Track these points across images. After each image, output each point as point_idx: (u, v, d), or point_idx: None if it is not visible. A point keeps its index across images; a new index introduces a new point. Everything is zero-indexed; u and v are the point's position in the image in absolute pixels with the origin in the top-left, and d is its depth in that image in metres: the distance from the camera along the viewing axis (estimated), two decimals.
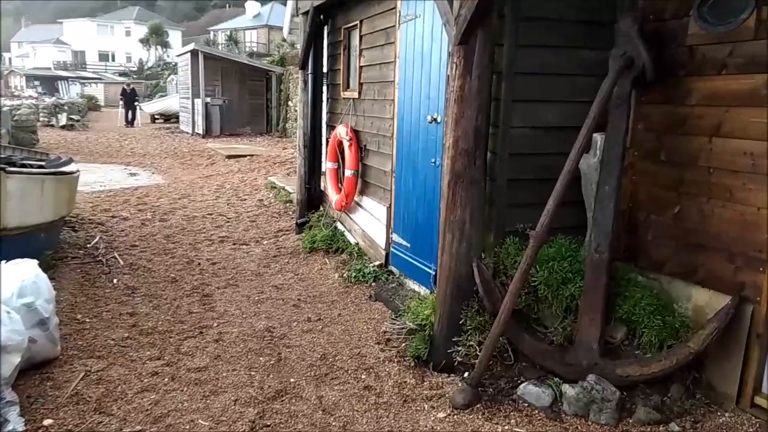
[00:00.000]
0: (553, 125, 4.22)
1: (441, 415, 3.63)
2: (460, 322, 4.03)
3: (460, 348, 4.02)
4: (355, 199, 6.91)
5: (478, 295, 3.96)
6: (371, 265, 6.08)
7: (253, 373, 4.15)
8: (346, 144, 6.76)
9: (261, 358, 4.37)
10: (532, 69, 4.10)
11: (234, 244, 7.52)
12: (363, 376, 4.14)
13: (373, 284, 5.78)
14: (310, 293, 5.76)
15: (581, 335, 3.73)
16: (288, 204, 9.60)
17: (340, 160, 7.10)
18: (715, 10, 3.51)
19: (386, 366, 4.26)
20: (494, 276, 4.10)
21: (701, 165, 3.70)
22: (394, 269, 5.89)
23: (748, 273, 3.42)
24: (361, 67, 6.63)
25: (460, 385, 3.87)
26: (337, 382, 4.06)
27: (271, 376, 4.11)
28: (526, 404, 3.65)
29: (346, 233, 7.07)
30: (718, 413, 3.47)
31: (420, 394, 3.87)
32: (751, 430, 3.31)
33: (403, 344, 4.49)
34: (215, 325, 4.97)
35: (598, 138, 4.05)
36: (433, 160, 4.97)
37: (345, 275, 6.05)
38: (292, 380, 4.07)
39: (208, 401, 3.77)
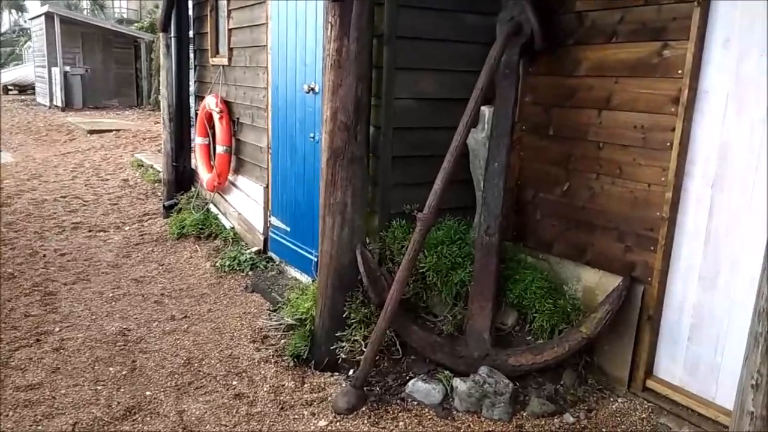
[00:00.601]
0: (440, 96, 3.87)
1: (322, 423, 3.22)
2: (344, 315, 3.63)
3: (343, 344, 3.63)
4: (230, 178, 6.27)
5: (363, 285, 3.56)
6: (248, 251, 5.51)
7: (99, 387, 3.50)
8: (216, 117, 6.07)
9: (111, 369, 3.71)
10: (417, 33, 3.71)
11: (89, 231, 6.60)
12: (234, 382, 3.63)
13: (250, 273, 5.23)
14: (177, 286, 5.11)
15: (472, 324, 3.46)
16: (156, 184, 8.69)
17: (211, 135, 6.41)
18: None
19: (262, 368, 3.78)
20: (380, 263, 3.73)
21: (590, 140, 3.52)
22: (273, 256, 5.36)
23: (639, 253, 3.29)
24: (230, 30, 5.95)
25: (343, 385, 3.48)
26: (202, 391, 3.53)
27: (122, 390, 3.48)
28: (416, 402, 3.33)
29: (220, 216, 6.42)
30: (611, 399, 3.35)
31: (299, 399, 3.43)
32: (644, 415, 3.20)
33: (282, 341, 4.02)
34: (57, 330, 4.21)
35: (486, 111, 3.77)
36: (311, 135, 4.48)
37: (218, 264, 5.44)
38: (147, 393, 3.48)
39: (39, 427, 3.10)
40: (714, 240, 3.00)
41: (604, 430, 3.12)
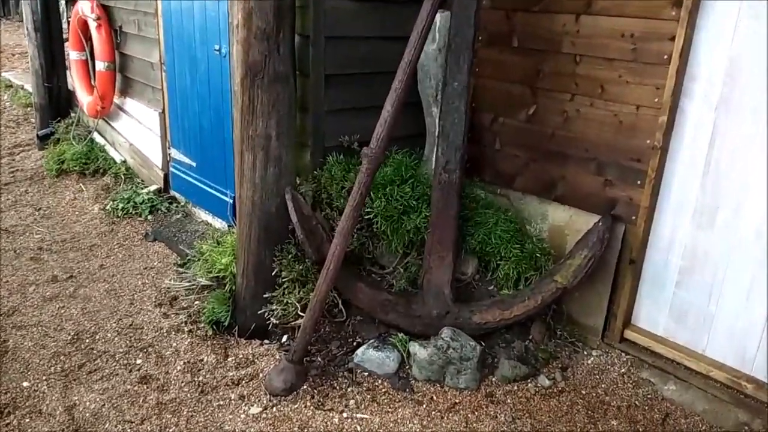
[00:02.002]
0: None
1: (255, 410, 2.62)
2: (273, 274, 2.97)
3: (274, 307, 3.00)
4: (116, 101, 5.22)
5: (296, 236, 2.90)
6: (145, 190, 4.63)
7: None
8: (93, 25, 4.93)
9: None
10: None
11: None
12: (138, 361, 2.93)
13: (150, 218, 4.38)
14: (59, 237, 4.19)
15: (429, 278, 2.92)
16: (29, 109, 7.32)
17: (89, 49, 5.25)
18: None
19: (173, 340, 3.09)
20: (315, 208, 3.06)
21: (564, 52, 2.93)
22: (177, 195, 4.53)
23: (622, 187, 2.82)
24: None
25: (277, 357, 2.88)
26: (98, 376, 2.81)
27: None
28: (366, 374, 2.80)
29: (108, 148, 5.39)
30: (585, 353, 2.97)
31: (223, 379, 2.80)
32: (623, 370, 2.85)
33: (196, 303, 3.33)
34: None
35: (439, 17, 3.05)
36: (216, 47, 3.60)
37: (109, 207, 4.53)
38: (25, 385, 2.72)
39: None
40: (714, 172, 2.56)
41: (583, 392, 2.74)
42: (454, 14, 2.88)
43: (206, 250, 3.45)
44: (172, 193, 4.55)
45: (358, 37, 3.03)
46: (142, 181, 4.90)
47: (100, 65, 4.94)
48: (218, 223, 4.01)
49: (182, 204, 4.45)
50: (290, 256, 2.95)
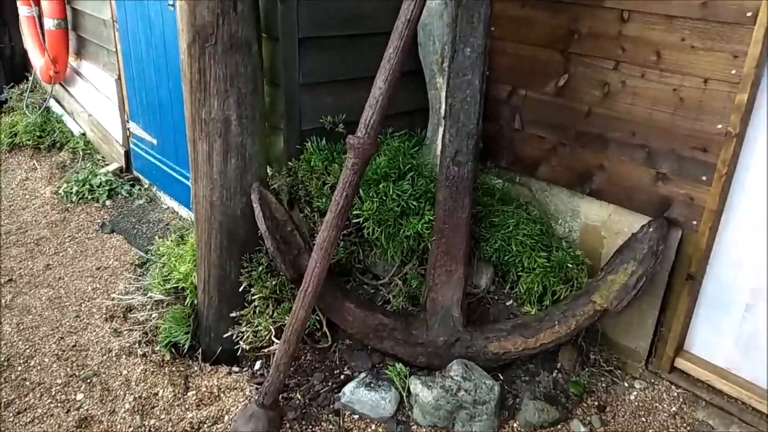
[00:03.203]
0: None
1: None
2: (241, 289, 2.40)
3: (244, 329, 2.43)
4: (72, 63, 4.54)
5: (266, 247, 2.30)
6: (104, 170, 4.02)
7: None
8: None
9: None
10: None
11: None
12: (79, 396, 2.40)
13: (108, 203, 3.79)
14: (3, 228, 3.60)
15: (435, 297, 2.34)
16: None
17: (39, 8, 4.54)
18: None
19: (123, 366, 2.55)
20: (292, 206, 2.46)
21: (607, 6, 2.27)
22: (141, 177, 3.91)
23: (679, 183, 2.21)
24: None
25: (248, 393, 2.34)
26: (28, 418, 2.29)
27: None
28: (357, 416, 2.26)
29: (66, 118, 4.74)
30: (625, 384, 2.42)
31: (181, 422, 2.27)
32: (673, 408, 2.31)
33: (154, 316, 2.77)
34: None
35: None
36: (170, 2, 2.92)
37: (64, 190, 3.92)
38: None
39: None
40: None
41: None
42: None
43: (165, 252, 2.87)
44: (135, 173, 3.94)
45: None
46: (103, 157, 4.27)
47: (50, 23, 4.26)
48: (184, 212, 3.42)
49: (146, 187, 3.85)
50: (261, 268, 2.37)
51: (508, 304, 2.51)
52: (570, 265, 2.38)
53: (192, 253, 2.66)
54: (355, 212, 2.30)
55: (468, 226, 2.29)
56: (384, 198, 2.27)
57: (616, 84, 2.32)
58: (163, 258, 2.86)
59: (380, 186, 2.29)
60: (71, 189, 3.86)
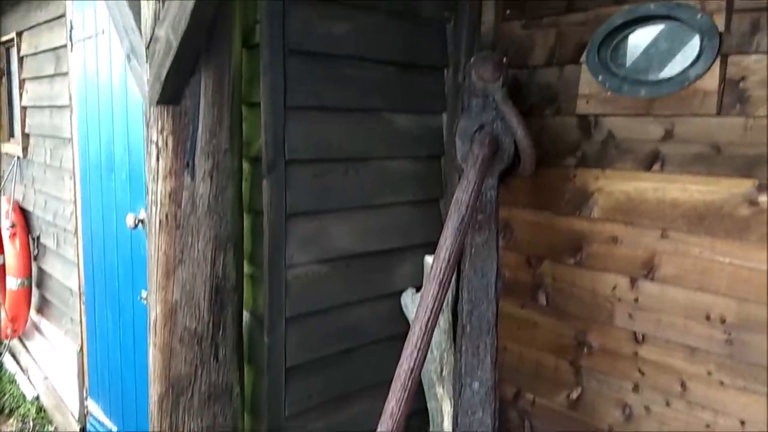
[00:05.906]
0: (360, 251, 2.26)
1: None
2: None
3: None
4: (33, 318, 4.24)
5: None
6: None
7: None
8: (6, 233, 4.07)
9: None
10: (320, 152, 2.10)
11: None
12: None
13: None
14: None
15: None
16: None
17: (3, 257, 4.35)
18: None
19: None
20: None
21: (618, 326, 2.12)
22: None
23: None
24: (24, 109, 4.03)
25: None
26: None
27: None
28: None
29: (21, 378, 4.32)
30: None
31: None
32: None
33: None
34: None
35: (429, 260, 2.26)
36: (144, 295, 2.72)
37: None
38: None
39: None
40: None
41: None
42: (471, 263, 2.08)
43: None
44: None
45: (332, 308, 2.17)
46: (56, 428, 3.80)
47: (13, 282, 4.02)
48: None
49: None
50: None
51: None
52: None
53: None
54: None
55: None
56: None
57: (639, 408, 2.09)
58: None
59: None
60: None
